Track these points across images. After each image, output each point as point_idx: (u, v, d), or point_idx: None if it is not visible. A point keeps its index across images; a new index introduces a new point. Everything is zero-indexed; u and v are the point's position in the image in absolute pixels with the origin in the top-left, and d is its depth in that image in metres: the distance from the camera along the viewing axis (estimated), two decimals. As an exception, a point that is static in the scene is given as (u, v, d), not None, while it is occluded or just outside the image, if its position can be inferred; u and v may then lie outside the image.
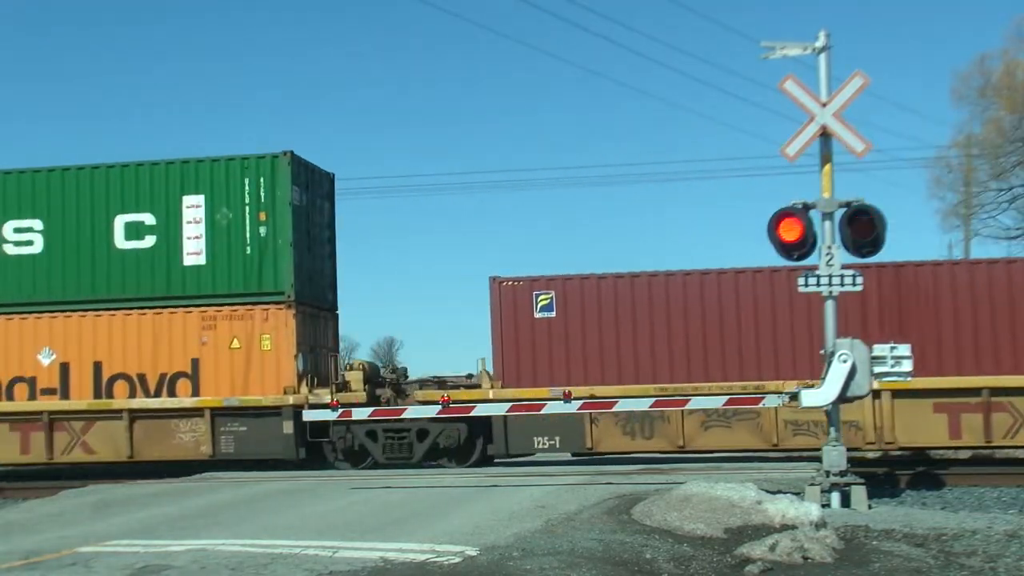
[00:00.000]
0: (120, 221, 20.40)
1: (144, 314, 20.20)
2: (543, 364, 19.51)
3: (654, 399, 15.68)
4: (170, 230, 20.24)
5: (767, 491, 12.16)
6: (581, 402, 15.79)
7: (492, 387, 19.55)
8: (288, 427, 19.56)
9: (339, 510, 13.19)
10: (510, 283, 19.80)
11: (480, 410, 16.73)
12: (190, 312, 20.08)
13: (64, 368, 20.34)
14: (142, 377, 20.12)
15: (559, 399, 15.52)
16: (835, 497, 13.01)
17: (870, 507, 13.01)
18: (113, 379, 20.22)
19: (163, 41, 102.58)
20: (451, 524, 11.52)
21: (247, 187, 20.04)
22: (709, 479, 13.08)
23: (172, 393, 20.03)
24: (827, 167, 13.75)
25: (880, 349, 13.33)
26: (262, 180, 20.02)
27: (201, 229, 20.11)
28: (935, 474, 18.00)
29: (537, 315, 19.58)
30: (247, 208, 20.01)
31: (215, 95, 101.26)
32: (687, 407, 16.77)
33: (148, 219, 20.34)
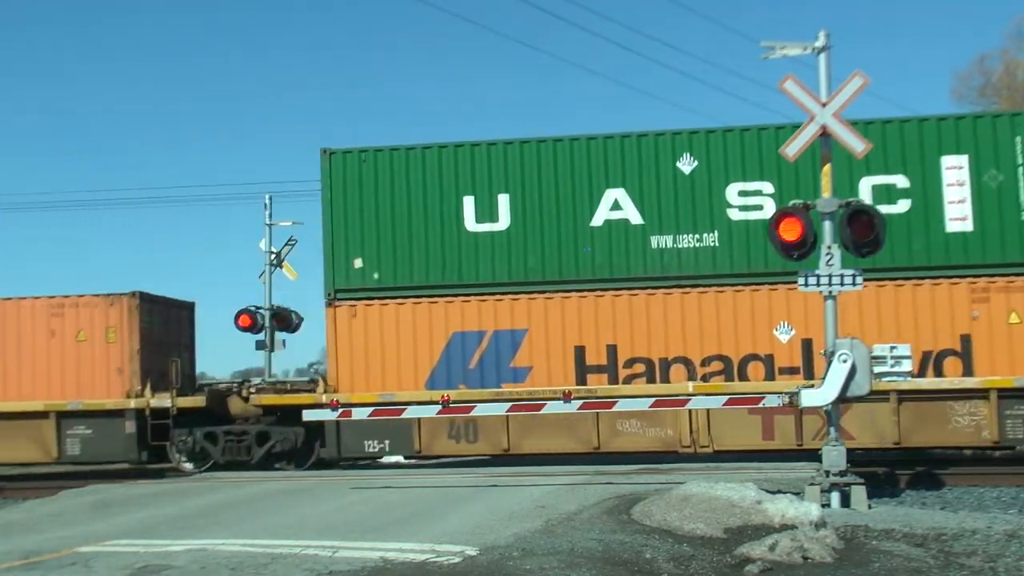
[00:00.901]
0: (867, 183, 18.83)
1: (901, 285, 18.66)
2: None
3: (654, 399, 15.61)
4: (928, 193, 18.80)
5: (767, 491, 12.18)
6: (581, 402, 15.76)
7: None
8: None
9: (339, 510, 13.19)
10: None
11: (479, 410, 16.64)
12: (956, 283, 18.55)
13: (806, 345, 18.77)
14: None
15: (558, 399, 15.20)
16: (835, 497, 13.01)
17: (870, 507, 13.01)
18: None
19: (165, 41, 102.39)
20: (451, 524, 11.53)
21: (1018, 146, 18.67)
22: (709, 479, 13.09)
23: (939, 372, 18.38)
24: (827, 167, 13.76)
25: (880, 349, 13.34)
26: None
27: (965, 192, 18.65)
28: (935, 474, 17.97)
29: None
30: (1019, 169, 18.63)
31: (215, 95, 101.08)
32: (687, 407, 16.68)
33: (900, 181, 18.92)
